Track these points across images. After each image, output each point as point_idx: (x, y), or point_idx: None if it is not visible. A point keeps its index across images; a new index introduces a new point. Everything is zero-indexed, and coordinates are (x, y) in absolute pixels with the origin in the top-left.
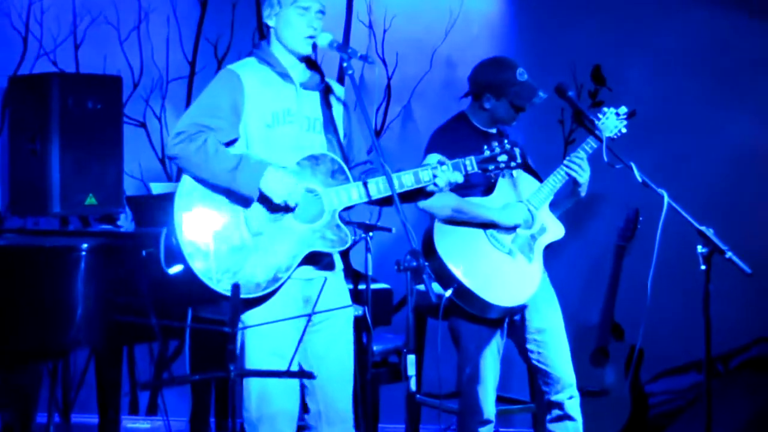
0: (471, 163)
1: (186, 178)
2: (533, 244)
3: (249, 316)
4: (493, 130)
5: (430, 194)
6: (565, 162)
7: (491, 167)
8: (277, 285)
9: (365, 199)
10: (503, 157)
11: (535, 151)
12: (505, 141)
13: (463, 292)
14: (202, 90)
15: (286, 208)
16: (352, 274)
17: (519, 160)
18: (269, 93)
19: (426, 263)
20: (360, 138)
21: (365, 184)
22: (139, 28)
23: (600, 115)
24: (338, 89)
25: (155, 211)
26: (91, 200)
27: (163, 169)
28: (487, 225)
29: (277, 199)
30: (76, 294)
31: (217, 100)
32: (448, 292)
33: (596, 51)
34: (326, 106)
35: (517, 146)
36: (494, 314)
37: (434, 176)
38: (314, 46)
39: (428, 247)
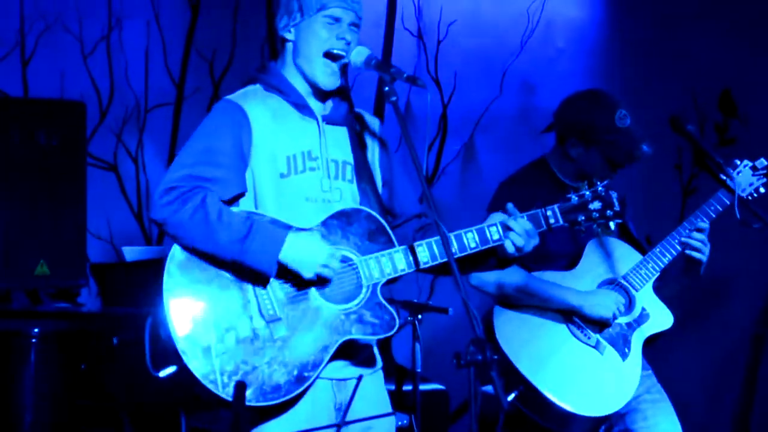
0: (554, 213)
1: (178, 246)
2: (630, 335)
3: (265, 430)
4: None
5: (504, 264)
6: (679, 229)
7: (581, 218)
8: (302, 387)
9: (414, 268)
10: (596, 205)
11: (643, 205)
12: (599, 183)
13: (532, 397)
14: (193, 122)
15: (320, 280)
16: (395, 371)
17: (618, 208)
18: (283, 132)
19: (496, 357)
20: (407, 185)
21: (413, 249)
22: (109, 38)
23: (730, 169)
24: (372, 122)
25: (129, 284)
26: (42, 269)
27: (139, 227)
28: (567, 311)
29: (308, 272)
30: (24, 394)
31: (218, 142)
32: (511, 396)
33: (725, 71)
34: (358, 145)
35: (614, 190)
36: (577, 428)
37: (506, 233)
38: (345, 66)
39: (487, 336)
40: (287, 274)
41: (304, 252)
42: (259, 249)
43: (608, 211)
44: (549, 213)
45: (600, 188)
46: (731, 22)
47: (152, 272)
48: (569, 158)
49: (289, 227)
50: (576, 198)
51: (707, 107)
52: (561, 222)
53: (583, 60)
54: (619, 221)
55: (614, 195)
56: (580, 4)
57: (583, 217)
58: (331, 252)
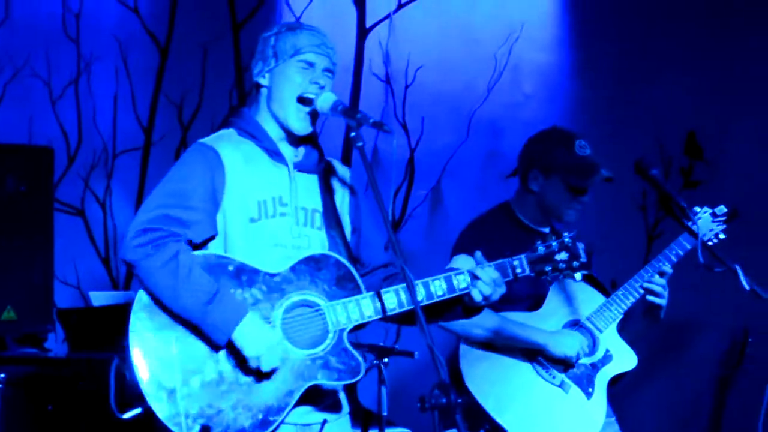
0: (521, 263)
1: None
2: (594, 375)
3: None
4: (546, 229)
5: (471, 312)
6: (642, 273)
7: (548, 269)
8: None
9: (380, 315)
10: (563, 255)
11: (609, 249)
12: (565, 234)
13: None
14: (162, 167)
15: (257, 371)
16: (361, 414)
17: (584, 260)
18: (255, 176)
19: (460, 400)
20: (375, 233)
21: (380, 295)
22: (77, 83)
23: (693, 214)
24: (343, 171)
25: (96, 329)
26: (8, 314)
27: (106, 273)
28: (532, 351)
29: (250, 353)
30: None
31: (191, 184)
32: None
33: (690, 114)
34: (327, 192)
35: (581, 241)
36: None
37: (473, 282)
38: (315, 112)
39: (452, 377)
40: (233, 352)
41: (254, 338)
42: (218, 318)
43: (575, 263)
44: (516, 263)
45: (567, 239)
46: (696, 63)
47: (119, 317)
48: (531, 192)
49: (257, 272)
50: (543, 248)
51: (673, 150)
52: (528, 272)
53: (549, 104)
54: (586, 272)
55: (581, 246)
56: (546, 49)
57: (549, 268)
58: (273, 350)
